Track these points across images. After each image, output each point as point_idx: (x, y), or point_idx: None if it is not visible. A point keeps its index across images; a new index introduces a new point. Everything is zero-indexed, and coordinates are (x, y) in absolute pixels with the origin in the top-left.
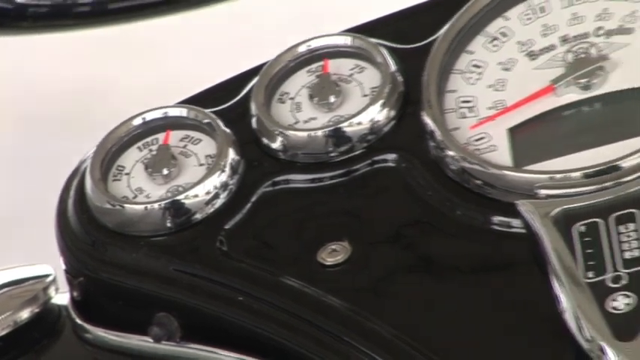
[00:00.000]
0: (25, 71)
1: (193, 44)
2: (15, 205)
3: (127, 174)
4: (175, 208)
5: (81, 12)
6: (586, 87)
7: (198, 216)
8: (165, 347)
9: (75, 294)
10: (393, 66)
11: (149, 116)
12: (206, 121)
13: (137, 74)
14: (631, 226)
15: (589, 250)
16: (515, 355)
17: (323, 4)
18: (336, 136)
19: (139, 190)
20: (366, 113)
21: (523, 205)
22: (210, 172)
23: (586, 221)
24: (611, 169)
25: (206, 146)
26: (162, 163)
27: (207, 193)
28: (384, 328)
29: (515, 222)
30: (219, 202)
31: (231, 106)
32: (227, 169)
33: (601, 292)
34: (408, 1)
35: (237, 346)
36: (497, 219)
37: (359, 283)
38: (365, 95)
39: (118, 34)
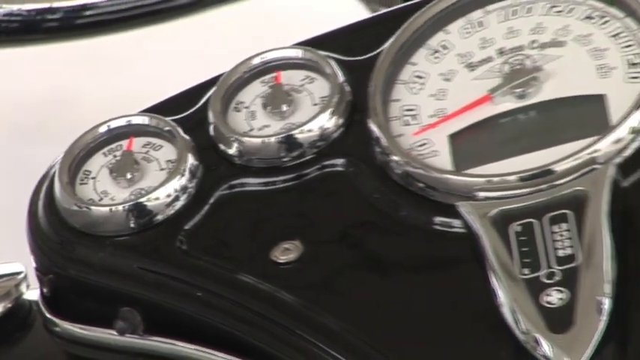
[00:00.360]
0: None
1: (156, 57)
2: None
3: (93, 178)
4: (138, 209)
5: (50, 27)
6: (521, 96)
7: (159, 217)
8: (129, 340)
9: (45, 290)
10: (341, 77)
11: (113, 124)
12: (167, 128)
13: (103, 85)
14: (564, 225)
15: (524, 249)
16: (456, 347)
17: (279, 19)
18: (288, 142)
19: (104, 193)
20: (316, 121)
21: (463, 207)
22: (170, 176)
23: (522, 221)
24: (544, 173)
25: (167, 152)
26: (125, 167)
27: (168, 195)
28: (333, 322)
29: (456, 222)
30: (179, 205)
31: (190, 114)
32: (186, 173)
33: (536, 288)
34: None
35: (197, 338)
36: (439, 219)
37: (310, 280)
38: (315, 104)
39: (85, 47)
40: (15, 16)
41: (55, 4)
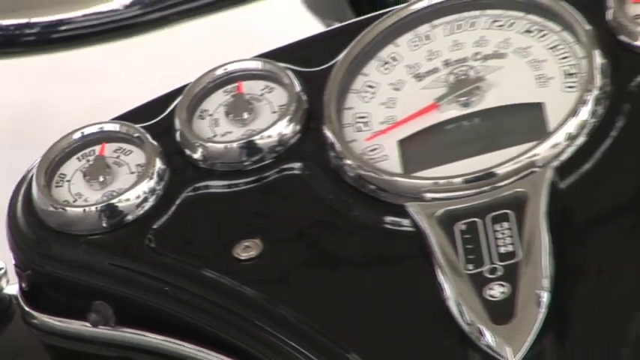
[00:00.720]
0: None
1: (127, 68)
2: None
3: (67, 181)
4: (110, 210)
5: (28, 41)
6: (465, 104)
7: (129, 217)
8: (102, 331)
9: (23, 285)
10: (298, 86)
11: (87, 131)
12: (136, 135)
13: (78, 95)
14: (505, 224)
15: (469, 246)
16: (406, 337)
17: (240, 33)
18: (249, 147)
19: (79, 195)
20: (275, 128)
21: (411, 207)
22: (140, 179)
23: (466, 220)
24: (487, 176)
25: (136, 157)
26: (98, 171)
27: (138, 197)
28: (290, 314)
29: (405, 221)
30: (147, 205)
31: (158, 121)
32: (154, 176)
33: (479, 282)
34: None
35: (165, 330)
36: (389, 219)
37: (269, 275)
38: (274, 112)
39: (60, 60)
40: None
41: (33, 20)
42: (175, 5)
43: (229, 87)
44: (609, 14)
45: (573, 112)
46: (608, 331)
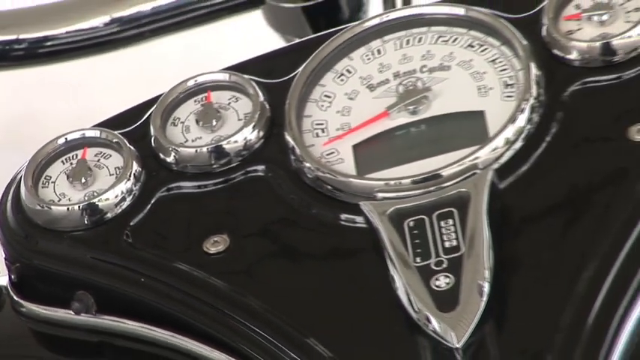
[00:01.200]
0: None
1: (106, 80)
2: None
3: (53, 182)
4: (91, 209)
5: (16, 55)
6: (414, 112)
7: (109, 215)
8: (84, 318)
9: (13, 277)
10: (261, 96)
11: (70, 136)
12: (115, 140)
13: (62, 104)
14: (450, 221)
15: (417, 241)
16: (360, 323)
17: (209, 48)
18: (217, 152)
19: (63, 195)
20: (241, 134)
21: (365, 206)
22: (118, 181)
23: (414, 218)
24: (433, 177)
25: (115, 160)
26: (80, 173)
27: (116, 197)
28: (255, 303)
29: (359, 219)
30: (125, 204)
31: (135, 128)
32: (132, 178)
33: (426, 274)
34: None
35: (141, 317)
36: (344, 216)
37: (236, 267)
38: (240, 119)
39: (46, 72)
40: None
41: (21, 36)
42: (149, 23)
43: (199, 97)
44: (544, 30)
45: (511, 119)
46: (542, 317)
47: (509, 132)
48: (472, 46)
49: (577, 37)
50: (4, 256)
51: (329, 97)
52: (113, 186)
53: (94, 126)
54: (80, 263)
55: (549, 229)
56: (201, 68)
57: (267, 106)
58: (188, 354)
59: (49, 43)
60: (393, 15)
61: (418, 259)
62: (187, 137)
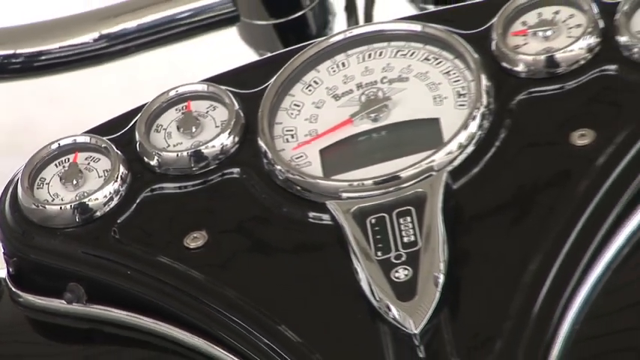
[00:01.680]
0: None
1: (96, 91)
2: None
3: (47, 183)
4: (82, 208)
5: (14, 68)
6: (375, 119)
7: (98, 213)
8: (75, 307)
9: (11, 270)
10: (237, 105)
11: (62, 142)
12: (104, 145)
13: (56, 113)
14: (408, 219)
15: (378, 236)
16: (326, 311)
17: (190, 63)
18: (196, 156)
19: (56, 195)
20: (218, 139)
21: (330, 205)
22: (106, 182)
23: (376, 215)
24: (393, 178)
25: (104, 163)
26: (72, 175)
27: (105, 197)
28: (232, 293)
29: (325, 217)
30: (113, 204)
31: (121, 134)
32: (119, 180)
33: (387, 266)
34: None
35: (128, 306)
36: (312, 214)
37: (214, 261)
38: (217, 126)
39: (41, 84)
40: None
41: (18, 51)
42: (134, 39)
43: (180, 106)
44: (493, 45)
45: (464, 126)
46: (492, 305)
47: (462, 137)
48: (428, 60)
49: (523, 51)
50: (2, 251)
51: (298, 105)
52: (102, 187)
53: (85, 132)
54: (72, 257)
55: (499, 226)
56: (181, 80)
57: (242, 114)
58: (171, 340)
59: (43, 57)
60: (356, 31)
61: (379, 253)
62: (169, 142)
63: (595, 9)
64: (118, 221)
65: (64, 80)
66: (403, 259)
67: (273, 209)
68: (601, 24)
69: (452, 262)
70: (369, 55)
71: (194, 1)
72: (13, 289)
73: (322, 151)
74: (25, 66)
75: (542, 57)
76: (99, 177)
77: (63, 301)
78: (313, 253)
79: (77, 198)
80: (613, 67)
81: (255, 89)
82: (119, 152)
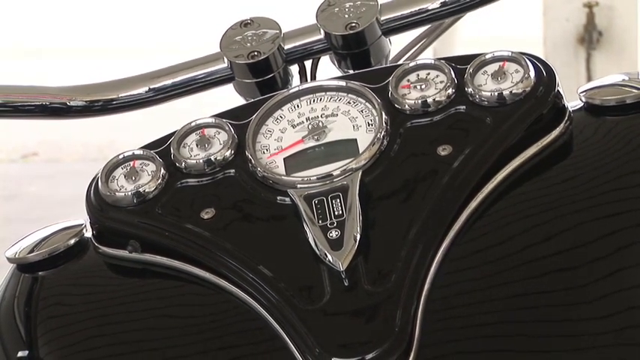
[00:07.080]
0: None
1: (145, 125)
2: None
3: (116, 179)
4: (137, 195)
5: (97, 108)
6: (317, 139)
7: (147, 198)
8: (134, 255)
9: (94, 232)
10: (233, 131)
11: (126, 154)
12: (151, 155)
13: (123, 135)
14: (338, 200)
15: (319, 211)
16: (288, 256)
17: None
18: (208, 162)
19: (121, 187)
20: (221, 152)
21: (291, 192)
22: (153, 178)
23: (318, 198)
24: (328, 176)
25: (151, 167)
26: (131, 174)
27: (152, 188)
28: (230, 247)
29: (288, 199)
30: (157, 192)
31: (163, 148)
32: (160, 177)
33: (325, 230)
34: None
35: (166, 254)
36: (280, 198)
37: (219, 227)
38: (221, 144)
39: (114, 118)
40: None
41: (95, 97)
42: (170, 91)
43: (198, 131)
44: (390, 94)
45: (372, 143)
46: (390, 253)
47: (371, 150)
48: (349, 103)
49: (408, 98)
50: (89, 220)
51: (270, 131)
52: (150, 181)
53: (140, 147)
54: (131, 224)
55: (393, 204)
56: (198, 114)
57: (236, 137)
58: (192, 275)
59: (114, 102)
60: (304, 86)
61: (320, 221)
62: (191, 154)
63: (452, 71)
64: (160, 202)
65: (130, 115)
66: (335, 225)
67: (256, 195)
68: (456, 80)
69: (364, 226)
70: (314, 100)
71: (207, 67)
72: (96, 244)
73: (285, 159)
74: (103, 107)
75: (420, 101)
76: (149, 175)
77: (126, 251)
78: (281, 222)
79: (134, 188)
80: (463, 107)
81: (244, 121)
82: (161, 160)
